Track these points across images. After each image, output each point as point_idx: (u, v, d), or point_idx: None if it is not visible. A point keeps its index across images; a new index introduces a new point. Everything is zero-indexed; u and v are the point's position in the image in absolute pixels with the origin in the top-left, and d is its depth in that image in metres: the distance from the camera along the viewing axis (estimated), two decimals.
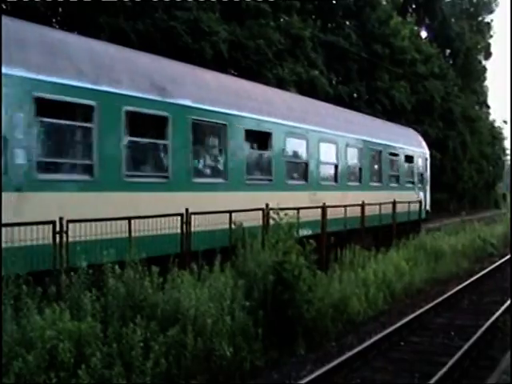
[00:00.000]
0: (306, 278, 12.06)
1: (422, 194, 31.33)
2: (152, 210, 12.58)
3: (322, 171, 21.21)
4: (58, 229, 10.25)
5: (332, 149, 21.88)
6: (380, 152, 26.19)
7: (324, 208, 18.76)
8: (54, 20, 24.88)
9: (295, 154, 19.73)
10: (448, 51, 70.85)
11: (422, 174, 31.96)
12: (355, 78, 43.64)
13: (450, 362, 10.76)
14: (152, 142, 13.95)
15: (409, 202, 27.42)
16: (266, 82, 26.30)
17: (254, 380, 10.35)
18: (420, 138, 33.69)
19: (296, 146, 19.67)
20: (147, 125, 14.00)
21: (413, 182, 30.35)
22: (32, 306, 8.67)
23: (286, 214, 13.40)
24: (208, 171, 15.90)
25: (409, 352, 12.27)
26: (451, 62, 69.94)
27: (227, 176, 15.82)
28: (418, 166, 31.39)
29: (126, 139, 12.79)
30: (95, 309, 9.17)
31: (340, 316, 13.63)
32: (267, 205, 15.81)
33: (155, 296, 10.06)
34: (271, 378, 10.50)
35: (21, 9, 20.32)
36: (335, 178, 22.12)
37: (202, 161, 15.74)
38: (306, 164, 19.92)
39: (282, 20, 35.96)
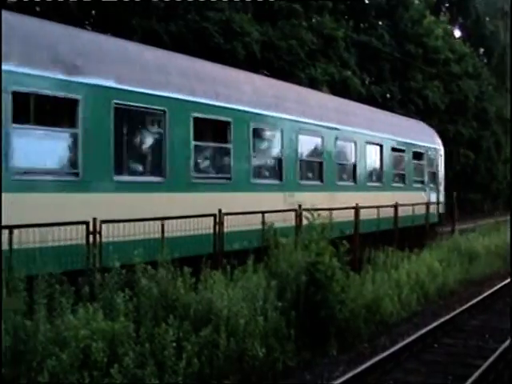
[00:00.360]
0: (338, 278, 12.01)
1: (433, 195, 28.42)
2: (57, 215, 10.25)
3: (303, 169, 18.42)
4: (91, 229, 10.37)
5: (316, 142, 19.23)
6: (381, 147, 23.35)
7: (357, 209, 18.50)
8: (86, 22, 25.12)
9: (265, 148, 17.28)
10: (482, 50, 70.14)
11: (434, 173, 28.91)
12: (388, 78, 43.41)
13: (485, 365, 10.63)
14: (54, 131, 11.35)
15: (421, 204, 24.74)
16: (299, 82, 26.28)
17: (287, 380, 10.32)
18: (433, 133, 30.70)
19: (266, 138, 17.27)
20: (49, 110, 11.59)
21: (422, 182, 27.44)
22: (66, 306, 8.75)
23: (318, 215, 13.23)
24: (139, 168, 13.52)
25: (442, 354, 12.14)
26: (485, 61, 69.23)
27: (166, 174, 13.29)
28: (430, 164, 28.39)
29: (13, 127, 10.32)
30: (128, 309, 9.21)
31: (373, 317, 13.54)
32: (300, 205, 15.65)
33: (188, 296, 10.08)
34: (303, 379, 10.45)
35: (54, 11, 20.56)
36: (320, 176, 19.28)
37: (129, 155, 13.22)
38: (280, 160, 17.18)
39: (314, 20, 35.91)
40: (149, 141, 13.78)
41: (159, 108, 13.26)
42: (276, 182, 17.09)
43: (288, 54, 30.72)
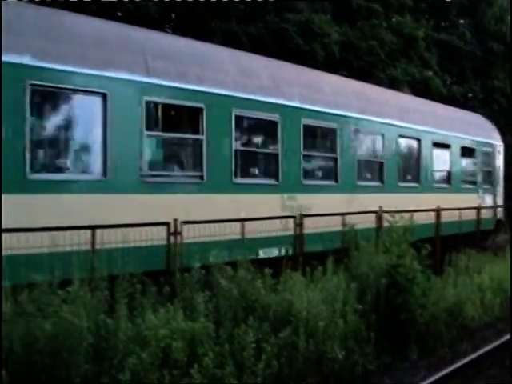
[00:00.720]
0: (419, 281, 11.83)
1: (489, 197, 24.87)
2: None
3: (308, 166, 15.68)
4: (172, 230, 10.51)
5: (328, 134, 16.39)
6: (418, 141, 20.25)
7: (438, 211, 18.08)
8: (167, 25, 25.48)
9: (254, 141, 14.65)
10: None
11: (489, 172, 25.11)
12: (470, 77, 42.59)
13: None
14: None
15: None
16: (379, 83, 26.02)
17: None
18: (490, 126, 26.68)
19: (256, 128, 14.64)
20: None
21: (474, 183, 23.87)
22: (147, 305, 8.88)
23: (401, 217, 13.01)
24: (67, 164, 10.75)
25: None
26: None
27: (107, 171, 10.96)
28: (485, 162, 24.67)
29: None
30: (208, 309, 9.28)
31: (454, 321, 13.27)
32: (380, 207, 15.38)
33: (267, 297, 10.09)
34: (383, 383, 10.35)
35: (135, 15, 20.94)
36: (334, 175, 16.32)
37: (52, 149, 10.78)
38: (276, 155, 14.49)
39: (394, 20, 35.56)
40: (83, 132, 11.14)
41: (97, 90, 10.99)
42: (270, 181, 14.48)
43: (368, 55, 30.51)
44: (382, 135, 18.35)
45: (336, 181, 16.31)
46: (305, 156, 15.31)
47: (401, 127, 19.24)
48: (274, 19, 26.21)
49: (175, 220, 10.48)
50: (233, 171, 13.30)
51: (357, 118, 17.19)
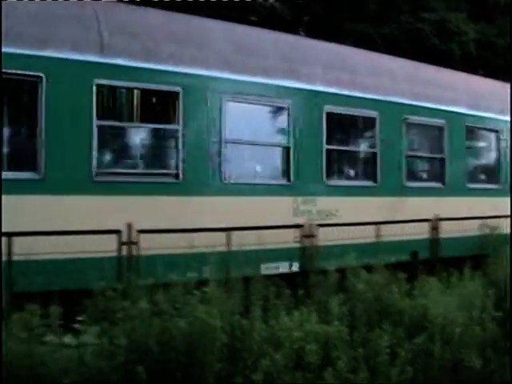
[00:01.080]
0: None
1: None
2: None
3: (334, 163, 13.42)
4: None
5: (363, 125, 14.13)
6: (496, 133, 16.97)
7: None
8: (300, 28, 25.70)
9: (253, 132, 12.20)
10: None
11: None
12: None
13: None
14: None
15: None
16: None
17: None
18: None
19: (257, 117, 12.29)
20: None
21: None
22: (280, 307, 8.97)
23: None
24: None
25: None
26: None
27: (40, 168, 9.49)
28: None
29: None
30: (342, 312, 9.27)
31: None
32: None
33: (402, 302, 9.97)
34: None
35: (268, 19, 21.29)
36: (372, 174, 13.98)
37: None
38: (287, 149, 12.34)
39: None
40: (19, 124, 9.84)
41: (32, 73, 9.45)
42: (279, 181, 12.44)
43: (507, 52, 29.61)
44: (443, 125, 15.55)
45: (375, 181, 13.98)
46: (329, 151, 13.07)
47: (470, 116, 16.22)
48: (409, 19, 25.94)
49: (310, 225, 10.56)
50: (223, 169, 11.50)
51: (406, 105, 14.61)
